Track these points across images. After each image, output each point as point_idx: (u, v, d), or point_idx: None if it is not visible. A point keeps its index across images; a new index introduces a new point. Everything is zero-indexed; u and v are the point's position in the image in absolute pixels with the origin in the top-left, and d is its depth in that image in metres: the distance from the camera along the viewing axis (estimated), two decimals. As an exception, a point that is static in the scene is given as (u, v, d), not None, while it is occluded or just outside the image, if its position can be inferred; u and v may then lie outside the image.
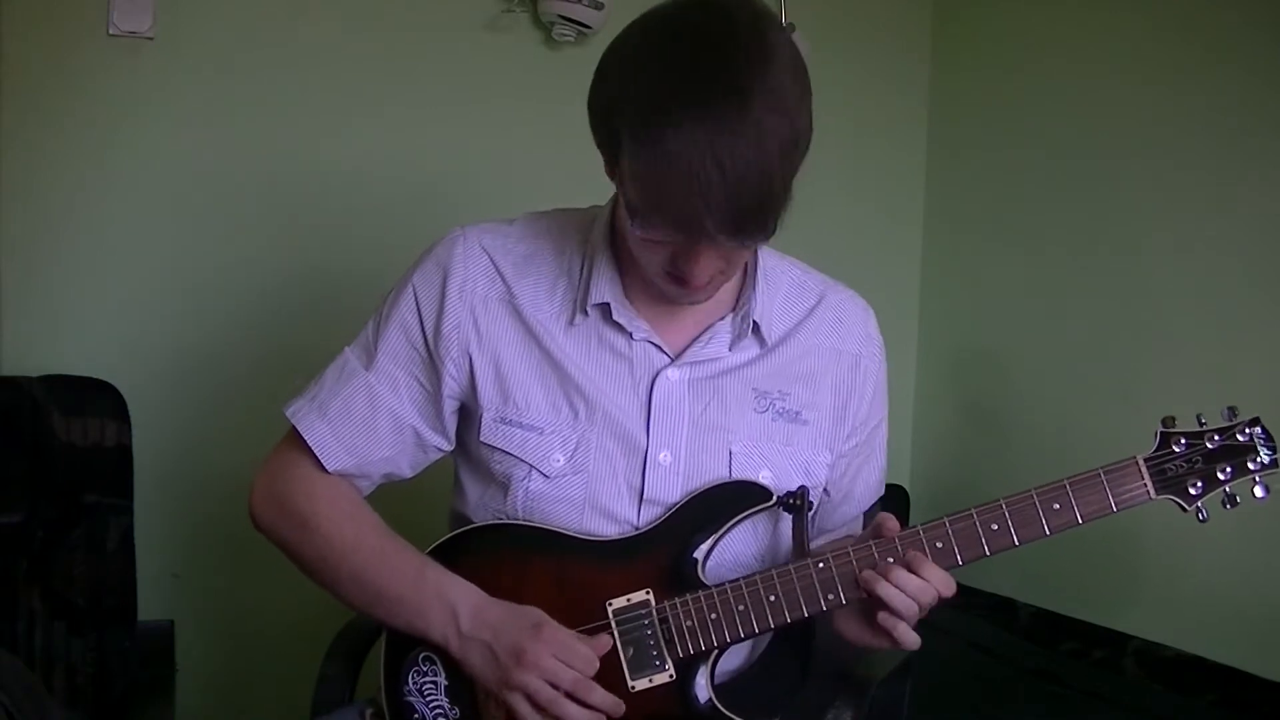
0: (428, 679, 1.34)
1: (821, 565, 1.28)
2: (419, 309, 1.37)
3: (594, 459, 1.34)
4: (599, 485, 1.34)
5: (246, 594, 2.19)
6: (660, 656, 1.29)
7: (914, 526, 1.29)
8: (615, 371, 1.36)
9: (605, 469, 1.34)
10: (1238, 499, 1.27)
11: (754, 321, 1.37)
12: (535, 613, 1.29)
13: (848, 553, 1.28)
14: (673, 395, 1.36)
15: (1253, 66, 1.95)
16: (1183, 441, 1.27)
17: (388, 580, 1.34)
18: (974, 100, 2.57)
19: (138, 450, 1.91)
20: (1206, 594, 1.96)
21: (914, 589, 1.25)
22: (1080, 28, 2.29)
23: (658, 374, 1.36)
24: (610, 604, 1.30)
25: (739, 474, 1.36)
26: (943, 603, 1.29)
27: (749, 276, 1.39)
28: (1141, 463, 1.27)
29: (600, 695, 1.26)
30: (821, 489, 1.44)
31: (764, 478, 1.34)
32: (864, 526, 1.48)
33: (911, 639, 1.26)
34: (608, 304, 1.35)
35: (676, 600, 1.30)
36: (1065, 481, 1.27)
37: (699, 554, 1.31)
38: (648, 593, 1.30)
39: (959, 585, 1.31)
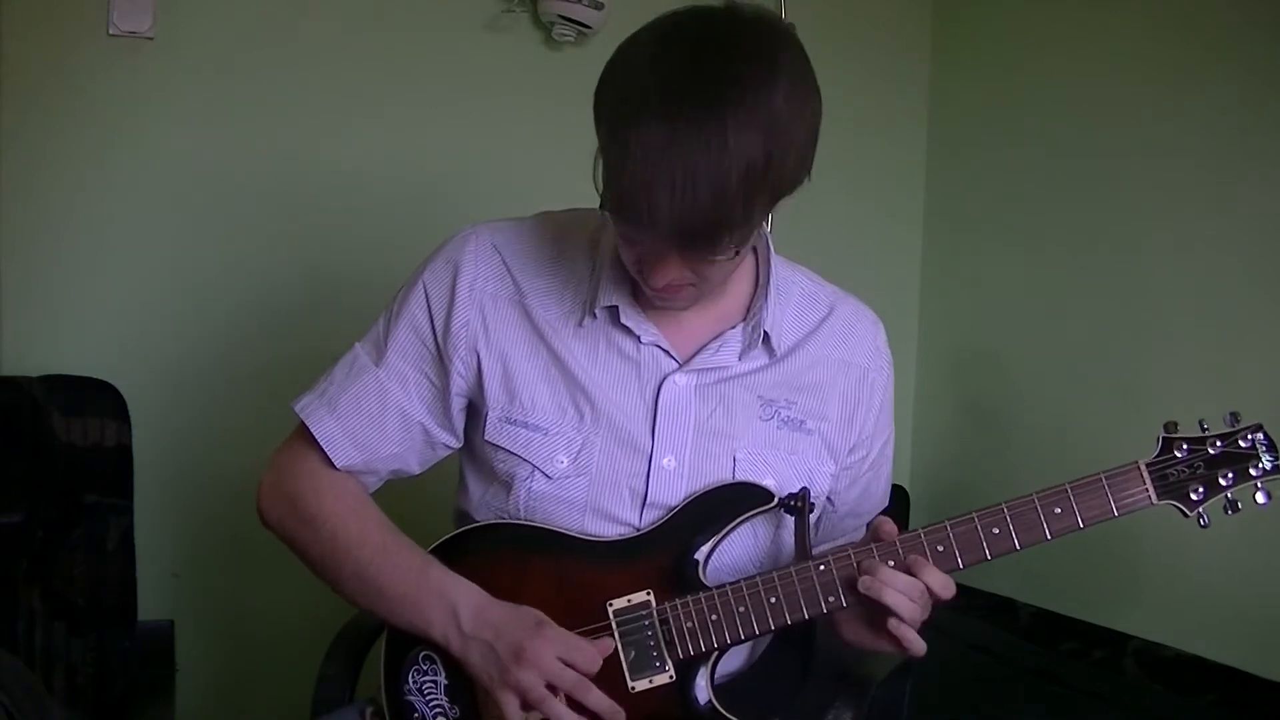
0: (428, 678, 1.34)
1: (822, 567, 1.28)
2: (429, 306, 1.37)
3: (598, 462, 1.34)
4: (601, 488, 1.34)
5: (246, 594, 2.20)
6: (660, 657, 1.29)
7: (915, 530, 1.28)
8: (622, 375, 1.36)
9: (608, 472, 1.34)
10: (1239, 504, 1.27)
11: (765, 332, 1.37)
12: (536, 613, 1.29)
13: (849, 555, 1.28)
14: (679, 400, 1.35)
15: (1253, 66, 1.95)
16: (1185, 447, 1.27)
17: (390, 578, 1.34)
18: (974, 100, 2.57)
19: (138, 450, 1.91)
20: (1206, 594, 1.96)
21: (904, 585, 1.24)
22: (1080, 28, 2.29)
23: (665, 379, 1.35)
24: (611, 604, 1.30)
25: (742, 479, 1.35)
26: (943, 605, 1.29)
27: (761, 287, 1.39)
28: (1143, 468, 1.27)
29: (596, 697, 1.26)
30: (824, 498, 1.44)
31: (768, 486, 1.34)
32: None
33: (918, 645, 1.25)
34: (616, 307, 1.35)
35: (677, 601, 1.29)
36: (1067, 486, 1.27)
37: (700, 555, 1.31)
38: (648, 594, 1.30)
39: (959, 586, 1.31)
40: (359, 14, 2.21)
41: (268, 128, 2.16)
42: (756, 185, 1.14)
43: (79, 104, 2.05)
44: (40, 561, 1.81)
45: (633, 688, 1.29)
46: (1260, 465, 1.26)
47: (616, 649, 1.29)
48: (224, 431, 2.15)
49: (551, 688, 1.25)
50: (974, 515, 1.28)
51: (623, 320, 1.35)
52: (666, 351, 1.36)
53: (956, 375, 2.59)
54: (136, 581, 1.89)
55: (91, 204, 2.07)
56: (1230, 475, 1.26)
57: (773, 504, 1.32)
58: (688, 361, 1.36)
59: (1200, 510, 1.26)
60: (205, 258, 2.15)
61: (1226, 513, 1.27)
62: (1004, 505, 1.27)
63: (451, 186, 2.25)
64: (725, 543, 1.33)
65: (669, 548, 1.32)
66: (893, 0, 2.62)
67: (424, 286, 1.38)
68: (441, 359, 1.37)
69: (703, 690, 1.30)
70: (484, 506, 1.40)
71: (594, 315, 1.35)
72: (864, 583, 1.26)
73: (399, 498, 1.50)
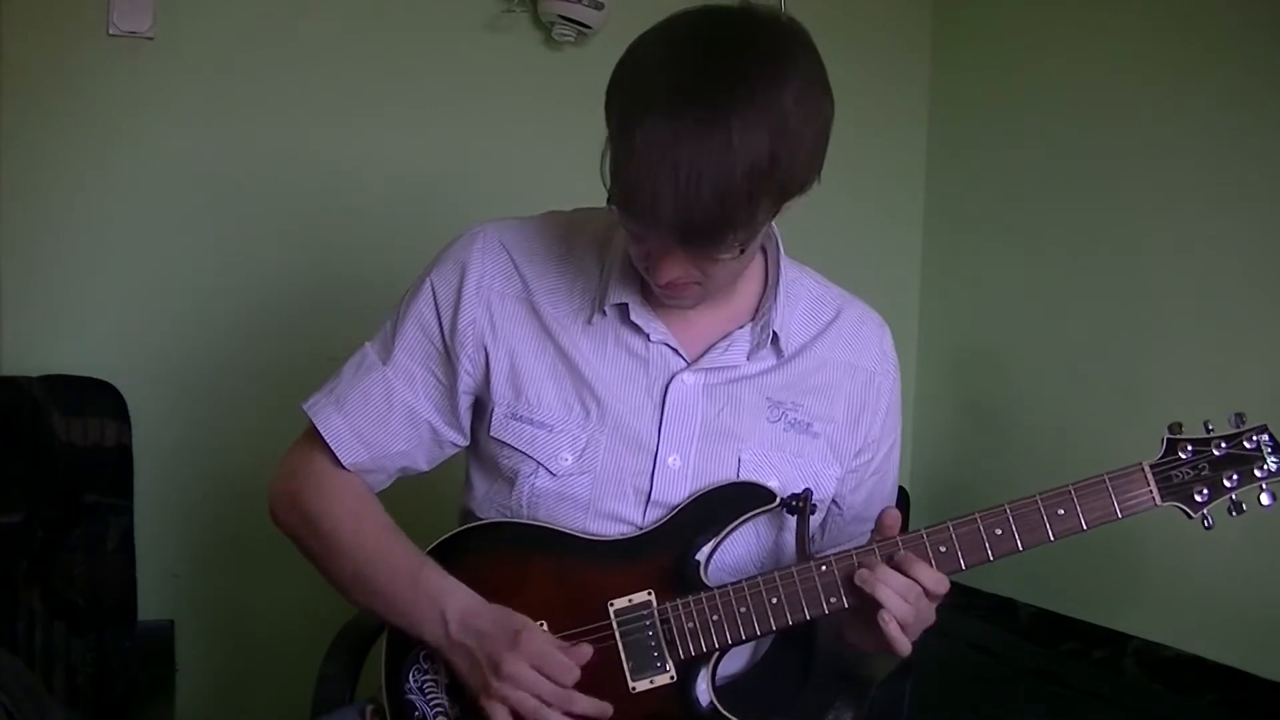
0: (428, 677, 1.34)
1: (824, 568, 1.28)
2: (436, 304, 1.38)
3: (602, 460, 1.34)
4: (606, 486, 1.34)
5: (246, 594, 2.20)
6: (661, 658, 1.29)
7: (917, 530, 1.28)
8: (630, 372, 1.36)
9: (613, 470, 1.34)
10: (1244, 506, 1.26)
11: (773, 332, 1.37)
12: (518, 620, 1.28)
13: (850, 555, 1.28)
14: (687, 399, 1.35)
15: (1252, 66, 1.95)
16: (1189, 448, 1.26)
17: (385, 579, 1.34)
18: (974, 100, 2.57)
19: (138, 450, 1.91)
20: (1206, 594, 1.96)
21: (899, 585, 1.24)
22: (1080, 28, 2.29)
23: (673, 377, 1.35)
24: (612, 604, 1.30)
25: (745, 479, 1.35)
26: (940, 601, 1.29)
27: (770, 287, 1.39)
28: (1147, 469, 1.26)
29: (583, 704, 1.26)
30: (829, 501, 1.43)
31: (772, 487, 1.34)
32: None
33: (902, 644, 1.24)
34: (625, 304, 1.35)
35: (678, 601, 1.29)
36: (1070, 487, 1.26)
37: (701, 555, 1.31)
38: (649, 593, 1.30)
39: (959, 586, 1.31)
40: (359, 14, 2.21)
41: (268, 128, 2.16)
42: (762, 184, 1.13)
43: (79, 104, 2.04)
44: (40, 561, 1.81)
45: (633, 688, 1.28)
46: (1265, 467, 1.25)
47: (618, 648, 1.29)
48: (224, 431, 2.15)
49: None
50: (976, 516, 1.27)
51: (632, 318, 1.35)
52: (675, 350, 1.36)
53: (956, 375, 2.59)
54: (136, 581, 1.89)
55: (91, 204, 2.07)
56: (1235, 477, 1.26)
57: (774, 504, 1.32)
58: (696, 360, 1.36)
59: (1205, 512, 1.26)
60: (205, 258, 2.14)
61: (1231, 514, 1.26)
62: (1007, 506, 1.27)
63: (452, 186, 2.25)
64: (727, 542, 1.33)
65: (670, 547, 1.32)
66: (893, 0, 2.62)
67: (431, 285, 1.39)
68: (449, 357, 1.37)
69: (704, 691, 1.29)
70: (488, 503, 1.40)
71: (603, 312, 1.35)
72: (860, 575, 1.25)
73: (404, 496, 1.50)
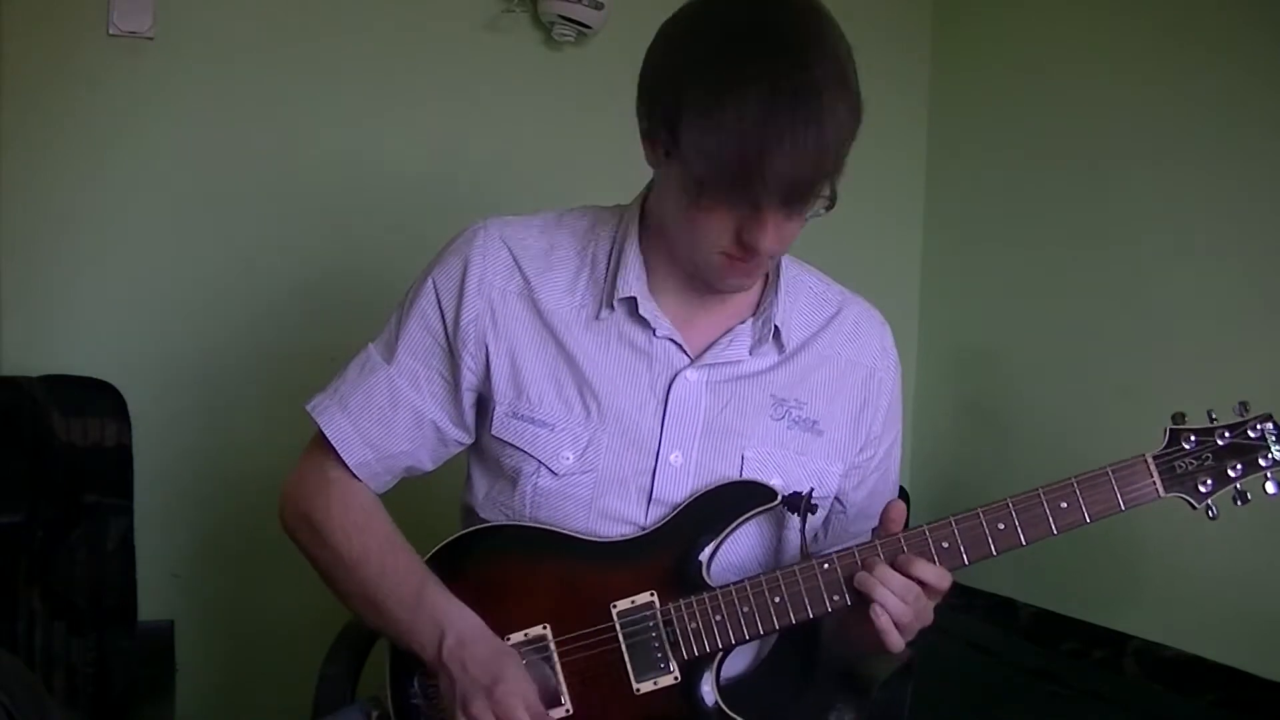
0: (434, 683, 1.34)
1: (827, 566, 1.28)
2: (439, 302, 1.38)
3: (604, 459, 1.34)
4: (607, 485, 1.34)
5: (246, 594, 2.19)
6: (665, 658, 1.29)
7: (919, 526, 1.28)
8: (634, 369, 1.36)
9: (615, 469, 1.34)
10: (1248, 495, 1.25)
11: (775, 326, 1.37)
12: (506, 666, 1.27)
13: (853, 553, 1.28)
14: (690, 396, 1.35)
15: (1252, 66, 1.96)
16: (1192, 438, 1.26)
17: (386, 597, 1.34)
18: (974, 100, 2.57)
19: (138, 450, 1.91)
20: (1206, 594, 1.96)
21: (898, 586, 1.24)
22: (1080, 28, 2.29)
23: (677, 375, 1.35)
24: (615, 606, 1.30)
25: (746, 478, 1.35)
26: (940, 599, 1.29)
27: (771, 282, 1.40)
28: (1150, 460, 1.26)
29: None
30: (832, 499, 1.44)
31: (775, 485, 1.34)
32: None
33: (894, 640, 1.24)
34: (634, 298, 1.35)
35: (681, 602, 1.29)
36: (1073, 480, 1.26)
37: (703, 555, 1.31)
38: (652, 594, 1.30)
39: (959, 585, 1.31)
40: (359, 14, 2.21)
41: (267, 128, 2.16)
42: (848, 131, 1.19)
43: (79, 104, 2.04)
44: (40, 561, 1.81)
45: (638, 689, 1.29)
46: (1270, 455, 1.25)
47: (620, 650, 1.29)
48: (224, 431, 2.15)
49: None
50: (979, 511, 1.27)
51: (640, 311, 1.34)
52: (679, 347, 1.36)
53: (956, 375, 2.59)
54: (136, 581, 1.89)
55: (91, 204, 2.07)
56: (1239, 466, 1.25)
57: (776, 502, 1.32)
58: (699, 357, 1.36)
59: (1209, 502, 1.25)
60: (205, 258, 2.14)
61: (1236, 503, 1.26)
62: (1009, 500, 1.27)
63: (452, 186, 2.25)
64: (730, 542, 1.33)
65: (672, 547, 1.32)
66: (892, 0, 2.62)
67: (433, 283, 1.39)
68: (452, 354, 1.37)
69: (708, 691, 1.29)
70: (489, 502, 1.40)
71: (611, 307, 1.35)
72: (859, 578, 1.25)
73: (405, 496, 1.50)
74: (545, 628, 1.31)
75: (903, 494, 2.54)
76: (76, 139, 2.05)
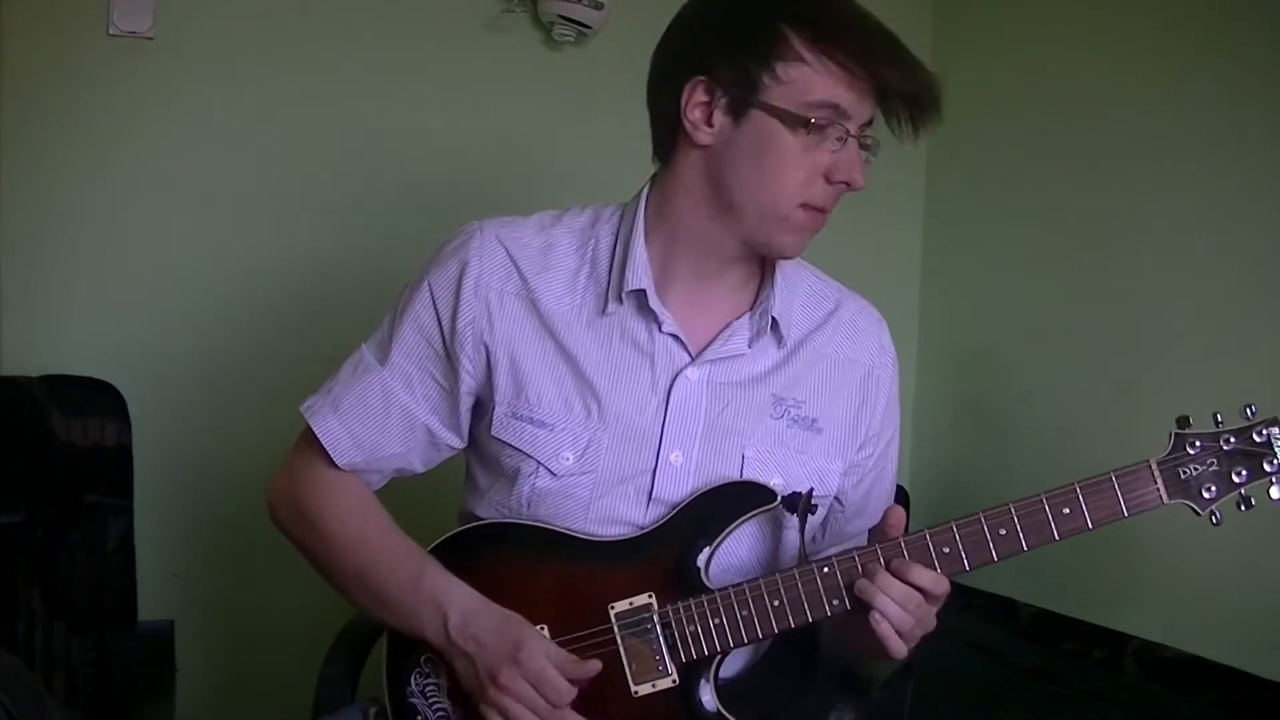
0: (430, 680, 1.34)
1: (826, 570, 1.28)
2: (435, 305, 1.37)
3: (604, 460, 1.34)
4: (607, 486, 1.34)
5: (246, 594, 2.20)
6: (663, 661, 1.29)
7: (920, 531, 1.27)
8: (635, 369, 1.36)
9: (614, 470, 1.34)
10: (1252, 500, 1.24)
11: (772, 318, 1.37)
12: (521, 630, 1.28)
13: (853, 557, 1.28)
14: (691, 397, 1.35)
15: (1252, 66, 1.95)
16: (1197, 444, 1.24)
17: (386, 581, 1.34)
18: (974, 100, 2.56)
19: (138, 450, 1.91)
20: (1206, 594, 1.96)
21: (898, 594, 1.24)
22: (1080, 28, 2.29)
23: (678, 374, 1.36)
24: (613, 607, 1.30)
25: (749, 478, 1.35)
26: (940, 604, 1.29)
27: (768, 276, 1.40)
28: (1154, 466, 1.24)
29: None
30: (832, 498, 1.43)
31: (775, 484, 1.34)
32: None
33: (895, 646, 1.24)
34: (643, 290, 1.34)
35: (680, 604, 1.29)
36: (1075, 485, 1.25)
37: (702, 557, 1.31)
38: (650, 596, 1.30)
39: (959, 586, 1.31)
40: (359, 14, 2.21)
41: (267, 128, 2.16)
42: None
43: (79, 104, 2.04)
44: (40, 561, 1.81)
45: (635, 692, 1.29)
46: (1275, 461, 1.23)
47: (619, 652, 1.29)
48: (224, 431, 2.15)
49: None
50: (980, 516, 1.26)
51: (650, 304, 1.34)
52: (681, 344, 1.36)
53: (956, 375, 2.59)
54: (136, 581, 1.89)
55: (91, 204, 2.07)
56: (1244, 473, 1.24)
57: (775, 503, 1.32)
58: (700, 354, 1.36)
59: (1213, 509, 1.24)
60: (205, 258, 2.14)
61: (1240, 509, 1.24)
62: (1011, 505, 1.26)
63: (452, 186, 2.25)
64: (729, 542, 1.33)
65: (671, 548, 1.32)
66: (893, 0, 2.61)
67: (429, 285, 1.38)
68: (449, 358, 1.37)
69: (707, 693, 1.29)
70: (489, 502, 1.40)
71: (620, 300, 1.35)
72: (859, 585, 1.25)
73: (403, 496, 1.50)
74: (543, 628, 1.31)
75: (902, 494, 2.56)
76: (76, 139, 2.05)
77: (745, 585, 1.29)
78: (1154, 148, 2.11)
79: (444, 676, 1.34)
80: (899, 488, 2.56)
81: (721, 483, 1.34)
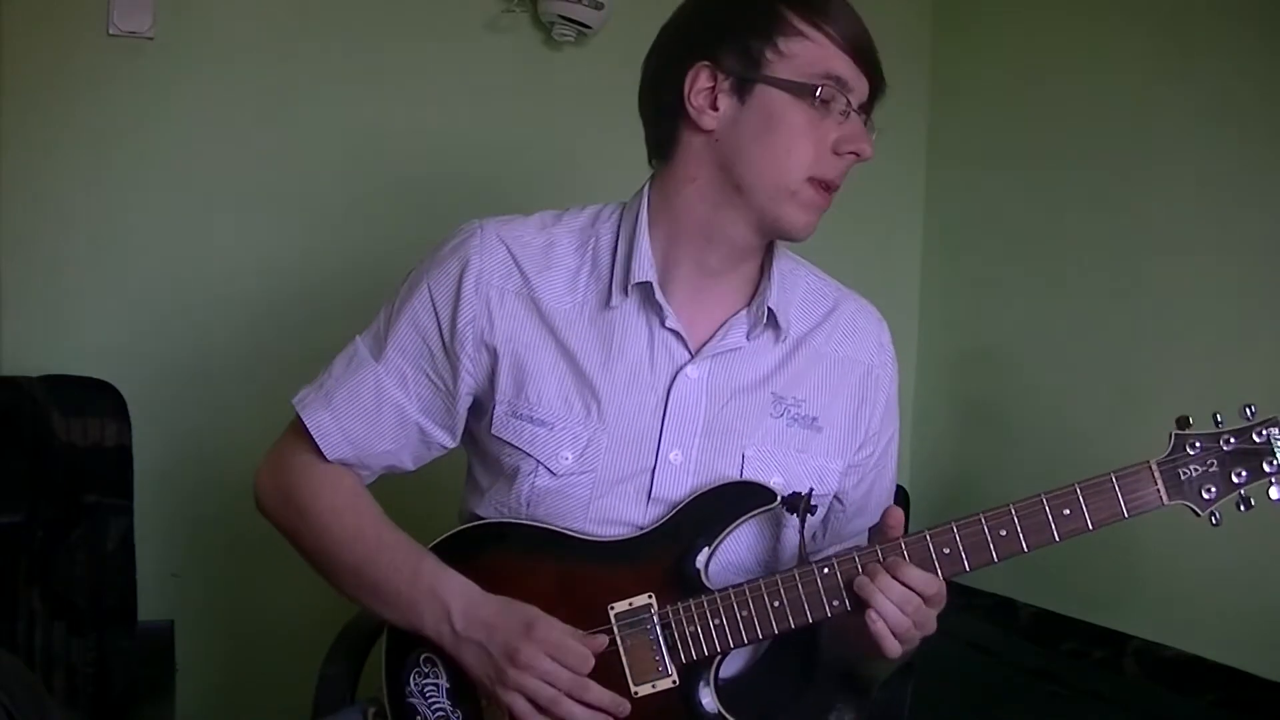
0: (429, 680, 1.34)
1: (826, 570, 1.28)
2: (434, 304, 1.37)
3: (603, 459, 1.34)
4: (606, 485, 1.34)
5: (246, 594, 2.19)
6: (663, 661, 1.29)
7: (920, 531, 1.27)
8: (635, 367, 1.36)
9: (614, 469, 1.34)
10: (1252, 501, 1.24)
11: (769, 309, 1.37)
12: (528, 610, 1.29)
13: (853, 558, 1.27)
14: (690, 395, 1.35)
15: (1252, 68, 1.95)
16: (1197, 444, 1.24)
17: (384, 574, 1.34)
18: (974, 100, 2.57)
19: (138, 450, 1.91)
20: (1206, 594, 1.96)
21: (897, 595, 1.24)
22: (1079, 29, 2.29)
23: (678, 373, 1.36)
24: (612, 608, 1.30)
25: (749, 477, 1.35)
26: (940, 607, 1.28)
27: (765, 271, 1.40)
28: (1154, 467, 1.24)
29: (598, 693, 1.26)
30: (832, 497, 1.43)
31: (775, 484, 1.34)
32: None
33: (890, 645, 1.24)
34: (648, 283, 1.35)
35: (679, 605, 1.29)
36: (1075, 485, 1.25)
37: (702, 558, 1.31)
38: (650, 596, 1.30)
39: (959, 585, 1.31)
40: (359, 14, 2.21)
41: (268, 128, 2.16)
42: None
43: (79, 104, 2.04)
44: (40, 561, 1.81)
45: (635, 692, 1.28)
46: (1275, 461, 1.23)
47: (619, 652, 1.29)
48: (224, 431, 2.15)
49: (553, 686, 1.26)
50: (981, 517, 1.26)
51: (655, 297, 1.35)
52: (682, 340, 1.36)
53: (956, 375, 2.59)
54: (136, 581, 1.89)
55: (91, 204, 2.07)
56: (1244, 473, 1.24)
57: (775, 503, 1.32)
58: (699, 350, 1.36)
59: (1213, 509, 1.24)
60: (206, 257, 2.14)
61: (1239, 509, 1.25)
62: (1011, 506, 1.26)
63: (452, 186, 2.25)
64: (729, 542, 1.33)
65: (670, 548, 1.32)
66: (892, 1, 2.61)
67: (428, 283, 1.38)
68: (448, 357, 1.37)
69: (706, 694, 1.29)
70: (489, 502, 1.40)
71: (625, 294, 1.35)
72: (858, 583, 1.25)
73: (400, 495, 1.50)
74: None
75: (902, 494, 2.56)
76: (76, 139, 2.05)
77: (745, 586, 1.29)
78: (1153, 148, 2.11)
79: (443, 676, 1.34)
80: (899, 488, 2.57)
81: (721, 483, 1.34)
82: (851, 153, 1.32)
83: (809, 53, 1.30)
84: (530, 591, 1.31)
